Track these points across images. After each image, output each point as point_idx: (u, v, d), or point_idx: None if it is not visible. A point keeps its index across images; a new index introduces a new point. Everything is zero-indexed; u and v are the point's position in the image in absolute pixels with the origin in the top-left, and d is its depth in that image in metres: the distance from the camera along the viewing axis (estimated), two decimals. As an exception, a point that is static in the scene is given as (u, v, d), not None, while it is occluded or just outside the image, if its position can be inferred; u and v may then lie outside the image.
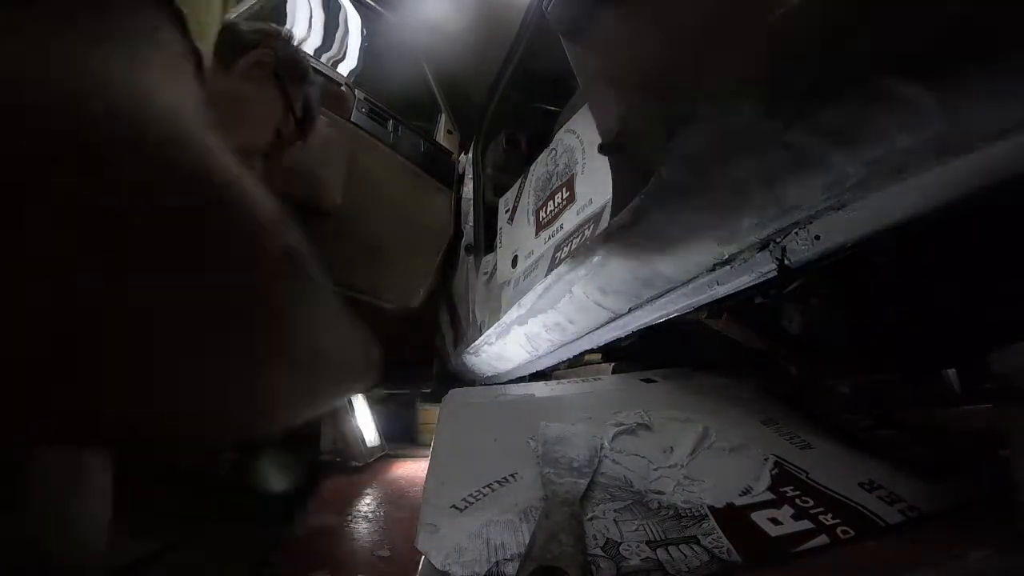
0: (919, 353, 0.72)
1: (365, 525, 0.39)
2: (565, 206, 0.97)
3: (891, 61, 0.36)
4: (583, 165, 0.93)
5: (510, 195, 1.31)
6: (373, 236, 1.33)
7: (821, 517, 0.34)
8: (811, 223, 0.49)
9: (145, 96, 0.18)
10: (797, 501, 0.38)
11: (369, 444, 1.34)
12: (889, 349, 0.74)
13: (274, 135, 0.50)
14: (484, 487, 0.50)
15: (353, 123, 1.28)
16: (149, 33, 0.21)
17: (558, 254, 0.92)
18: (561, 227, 0.98)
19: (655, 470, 0.58)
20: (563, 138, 1.04)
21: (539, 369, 1.12)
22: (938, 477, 0.40)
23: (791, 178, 0.47)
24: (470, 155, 1.60)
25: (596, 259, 0.76)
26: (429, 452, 0.50)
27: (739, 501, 0.40)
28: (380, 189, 1.34)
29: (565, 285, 0.86)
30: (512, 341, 1.07)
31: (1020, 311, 0.58)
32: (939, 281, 0.64)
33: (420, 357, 1.62)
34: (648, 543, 0.30)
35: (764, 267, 0.54)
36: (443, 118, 1.92)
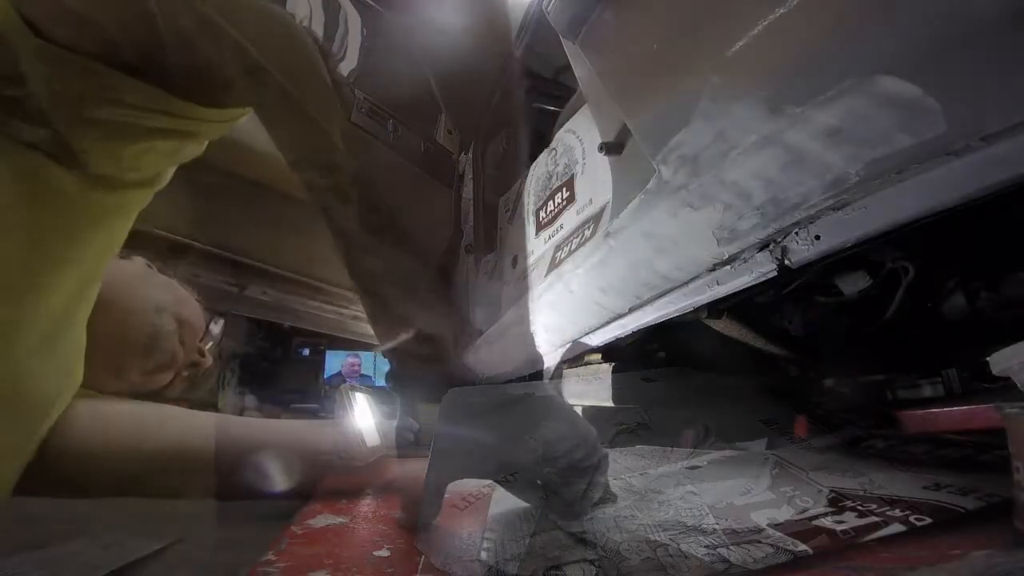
0: (919, 353, 0.72)
1: (365, 525, 0.39)
2: (565, 206, 0.97)
3: (891, 61, 0.36)
4: (583, 165, 0.93)
5: (510, 195, 1.31)
6: (373, 236, 1.33)
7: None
8: (811, 223, 0.49)
9: None
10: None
11: (369, 444, 1.34)
12: (889, 349, 0.74)
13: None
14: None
15: (353, 123, 1.29)
16: None
17: (558, 254, 0.92)
18: (561, 227, 0.98)
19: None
20: (563, 138, 1.05)
21: (539, 369, 1.12)
22: (938, 477, 0.40)
23: (791, 178, 0.47)
24: (470, 155, 1.60)
25: (596, 259, 0.76)
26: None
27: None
28: (380, 189, 1.34)
29: (565, 285, 0.86)
30: (512, 341, 1.08)
31: (1020, 311, 0.58)
32: (939, 281, 0.64)
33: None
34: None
35: (764, 267, 0.54)
36: (443, 118, 1.92)
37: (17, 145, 0.27)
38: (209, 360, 0.68)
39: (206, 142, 0.36)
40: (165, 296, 0.61)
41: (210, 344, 0.68)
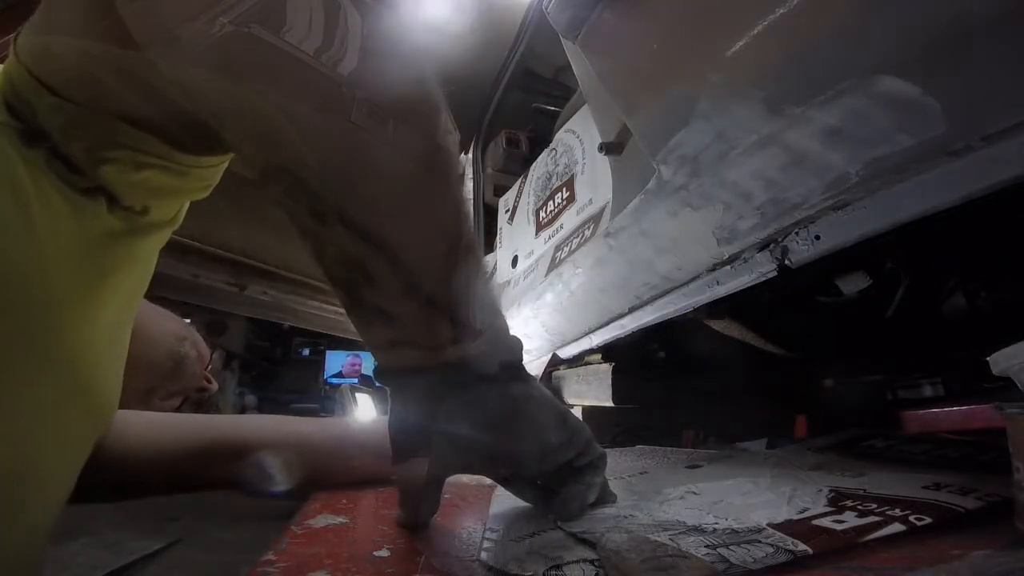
0: (919, 353, 0.72)
1: (365, 525, 0.39)
2: (565, 206, 0.97)
3: (891, 61, 0.36)
4: (583, 165, 0.93)
5: (510, 195, 1.31)
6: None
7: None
8: (811, 223, 0.49)
9: None
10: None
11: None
12: (889, 349, 0.74)
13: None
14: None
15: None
16: None
17: (558, 254, 0.92)
18: (561, 227, 0.98)
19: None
20: (563, 138, 1.05)
21: (539, 370, 1.12)
22: (938, 477, 0.40)
23: (791, 178, 0.47)
24: (470, 155, 1.60)
25: (596, 259, 0.76)
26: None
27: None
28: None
29: (565, 285, 0.86)
30: (512, 341, 1.07)
31: (1020, 311, 0.58)
32: (939, 281, 0.64)
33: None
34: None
35: (764, 267, 0.54)
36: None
37: (74, 193, 0.31)
38: (215, 386, 0.75)
39: (210, 184, 0.39)
40: (180, 327, 0.70)
41: (208, 369, 0.76)
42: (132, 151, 0.32)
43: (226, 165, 0.39)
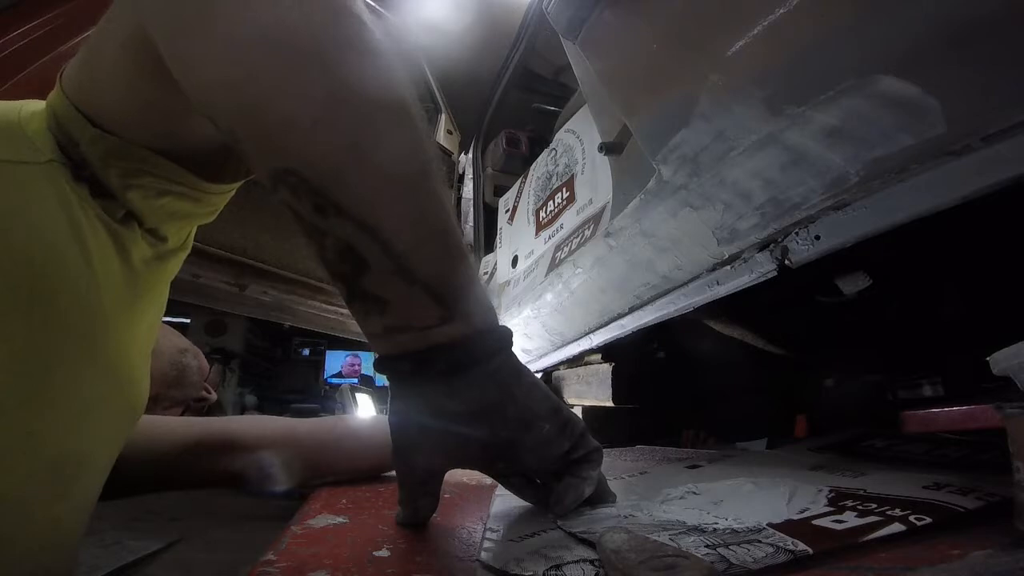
0: (919, 353, 0.72)
1: (365, 525, 0.39)
2: (565, 206, 0.97)
3: (891, 61, 0.36)
4: (583, 165, 0.93)
5: (510, 195, 1.31)
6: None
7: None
8: (811, 223, 0.49)
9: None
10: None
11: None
12: (889, 349, 0.74)
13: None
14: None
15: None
16: None
17: (558, 254, 0.92)
18: (561, 227, 0.98)
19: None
20: (563, 138, 1.05)
21: (539, 369, 1.12)
22: (938, 477, 0.41)
23: (791, 178, 0.47)
24: (470, 155, 1.60)
25: (596, 259, 0.76)
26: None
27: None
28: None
29: (565, 285, 0.86)
30: (512, 341, 1.07)
31: (1020, 311, 0.58)
32: (939, 281, 0.64)
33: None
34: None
35: (764, 267, 0.54)
36: (443, 118, 1.92)
37: (114, 223, 0.35)
38: (214, 396, 0.80)
39: (217, 209, 0.43)
40: (182, 340, 0.77)
41: (207, 380, 0.81)
42: (157, 178, 0.36)
43: (233, 193, 0.43)
